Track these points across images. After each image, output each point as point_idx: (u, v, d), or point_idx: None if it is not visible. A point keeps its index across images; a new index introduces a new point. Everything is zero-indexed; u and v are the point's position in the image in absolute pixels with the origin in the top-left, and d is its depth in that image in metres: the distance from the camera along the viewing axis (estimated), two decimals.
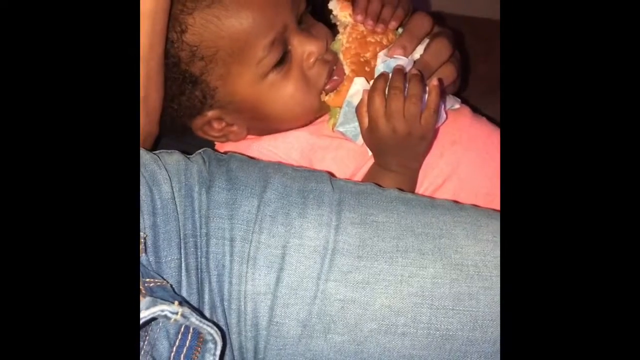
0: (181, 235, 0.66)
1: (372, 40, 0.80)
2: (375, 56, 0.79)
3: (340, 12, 0.82)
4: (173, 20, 0.74)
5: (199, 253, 0.66)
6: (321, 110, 0.82)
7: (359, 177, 0.83)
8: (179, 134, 0.82)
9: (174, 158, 0.71)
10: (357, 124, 0.79)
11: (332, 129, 0.82)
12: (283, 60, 0.78)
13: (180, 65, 0.76)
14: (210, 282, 0.66)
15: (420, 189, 0.82)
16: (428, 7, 1.23)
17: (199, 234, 0.67)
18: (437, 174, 0.83)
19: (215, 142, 0.85)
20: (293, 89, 0.79)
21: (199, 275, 0.66)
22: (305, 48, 0.79)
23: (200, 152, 0.74)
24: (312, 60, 0.79)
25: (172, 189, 0.68)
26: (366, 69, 0.79)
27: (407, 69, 0.78)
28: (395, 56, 0.78)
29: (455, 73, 0.82)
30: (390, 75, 0.77)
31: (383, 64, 0.79)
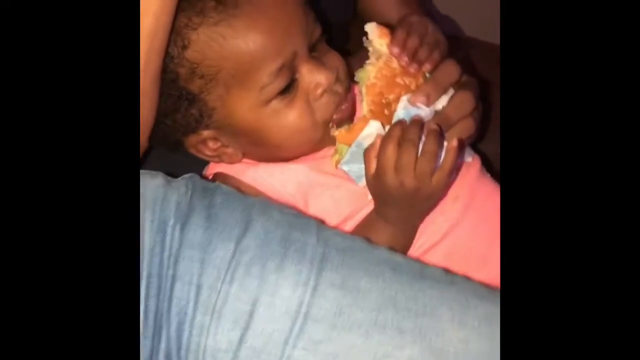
0: (144, 274, 0.61)
1: (401, 82, 0.74)
2: (398, 99, 0.74)
3: (377, 38, 0.75)
4: (175, 35, 0.69)
5: (161, 296, 0.62)
6: (323, 142, 0.77)
7: (354, 221, 0.77)
8: (171, 148, 0.78)
9: (154, 183, 0.66)
10: (362, 165, 0.74)
11: (336, 165, 0.76)
12: (289, 88, 0.73)
13: (178, 82, 0.71)
14: (169, 329, 0.61)
15: (417, 244, 0.77)
16: (460, 32, 1.16)
17: (164, 274, 0.62)
18: (435, 230, 0.77)
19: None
20: (296, 118, 0.74)
21: (158, 320, 0.61)
22: (314, 78, 0.73)
23: (186, 178, 0.69)
24: (319, 91, 0.74)
25: (143, 221, 0.63)
26: (385, 112, 0.74)
27: (427, 119, 0.72)
28: (417, 105, 0.73)
29: (474, 128, 0.76)
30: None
31: (404, 110, 0.73)
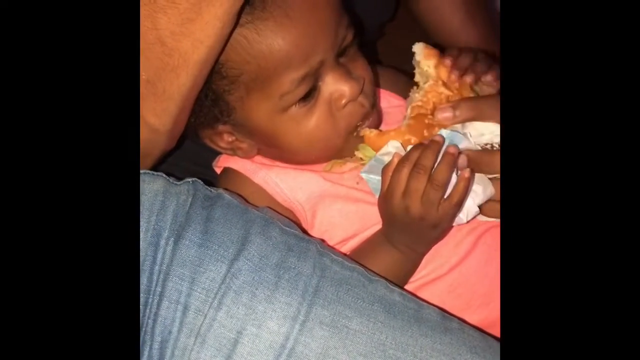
0: None
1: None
2: (440, 125, 0.71)
3: (424, 59, 0.73)
4: None
5: (147, 312, 0.61)
6: (343, 151, 0.74)
7: (359, 239, 0.75)
8: (193, 139, 0.76)
9: (154, 188, 0.65)
10: (380, 178, 0.71)
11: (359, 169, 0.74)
12: (309, 95, 0.70)
13: (209, 82, 0.69)
14: (151, 348, 0.60)
15: (421, 272, 0.74)
16: None
17: (152, 291, 0.61)
18: (443, 262, 0.74)
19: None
20: (314, 126, 0.71)
21: (141, 337, 0.60)
22: (338, 87, 0.70)
23: (188, 183, 0.67)
24: (342, 102, 0.70)
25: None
26: (425, 132, 0.71)
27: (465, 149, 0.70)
28: (463, 132, 0.70)
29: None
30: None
31: (447, 132, 0.70)
